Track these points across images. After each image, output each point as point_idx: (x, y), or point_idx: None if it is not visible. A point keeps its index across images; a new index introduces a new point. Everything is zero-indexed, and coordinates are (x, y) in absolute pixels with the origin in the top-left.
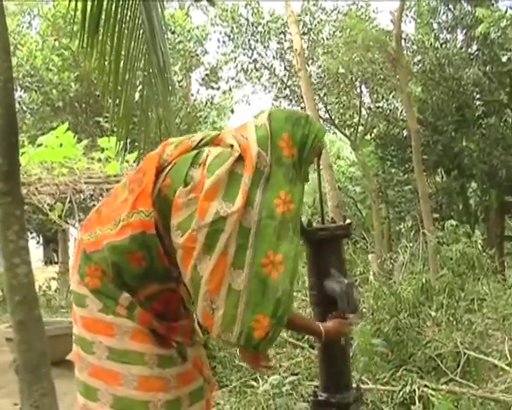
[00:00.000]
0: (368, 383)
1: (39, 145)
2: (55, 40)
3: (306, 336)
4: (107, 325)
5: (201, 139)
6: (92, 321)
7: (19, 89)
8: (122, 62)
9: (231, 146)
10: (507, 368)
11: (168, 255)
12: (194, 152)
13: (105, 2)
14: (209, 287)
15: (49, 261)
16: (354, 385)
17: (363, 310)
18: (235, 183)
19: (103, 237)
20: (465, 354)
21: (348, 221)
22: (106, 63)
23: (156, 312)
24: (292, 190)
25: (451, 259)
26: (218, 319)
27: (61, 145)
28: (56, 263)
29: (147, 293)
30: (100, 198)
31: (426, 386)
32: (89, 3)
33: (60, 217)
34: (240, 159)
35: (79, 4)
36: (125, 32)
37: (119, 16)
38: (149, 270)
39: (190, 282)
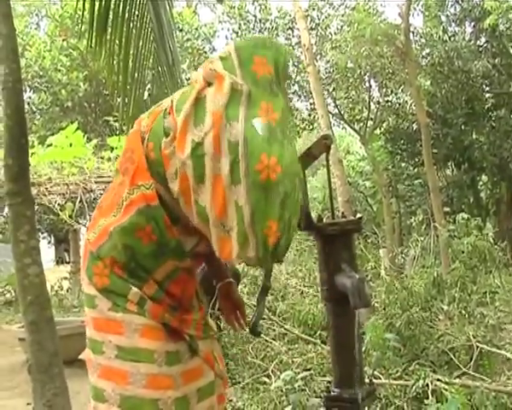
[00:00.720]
0: (381, 378)
1: (49, 145)
2: (63, 40)
3: (319, 333)
4: (116, 324)
5: (171, 101)
6: (103, 321)
7: (28, 90)
8: (131, 61)
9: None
10: None
11: (176, 225)
12: (163, 110)
13: (112, 2)
14: (215, 212)
15: (60, 261)
16: (367, 380)
17: (375, 305)
18: (202, 107)
19: (109, 225)
20: (478, 347)
21: (359, 215)
22: (114, 62)
23: (172, 298)
24: (273, 99)
25: (463, 252)
26: (234, 239)
27: (70, 145)
28: (68, 263)
29: (163, 272)
30: None
31: (439, 380)
32: (96, 3)
33: (70, 217)
34: (209, 86)
35: (87, 4)
36: (133, 30)
37: (126, 15)
38: (161, 244)
39: (199, 219)
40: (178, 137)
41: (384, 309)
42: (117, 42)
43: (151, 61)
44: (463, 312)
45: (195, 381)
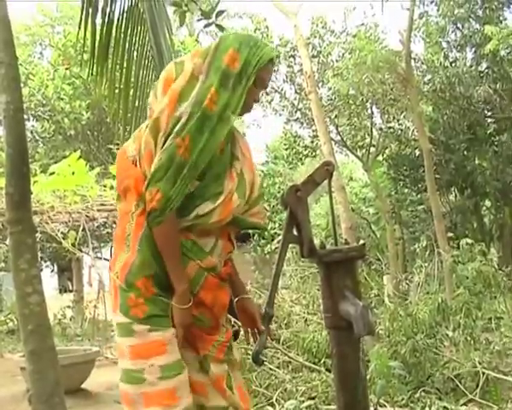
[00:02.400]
0: (386, 406)
1: (52, 174)
2: (66, 69)
3: (323, 360)
4: (158, 344)
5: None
6: (142, 346)
7: (31, 118)
8: (132, 89)
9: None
10: None
11: (190, 231)
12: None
13: (113, 31)
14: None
15: (63, 290)
16: (372, 409)
17: (380, 332)
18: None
19: (132, 247)
20: (484, 373)
21: (362, 242)
22: (115, 90)
23: (204, 307)
24: (221, 92)
25: (467, 278)
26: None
27: (73, 173)
28: (71, 291)
29: (189, 275)
30: (113, 226)
31: (445, 408)
32: (98, 32)
33: (73, 245)
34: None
35: (89, 33)
36: (134, 59)
37: (127, 44)
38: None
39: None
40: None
41: (388, 337)
42: (118, 70)
43: (152, 89)
44: (469, 338)
45: (196, 396)
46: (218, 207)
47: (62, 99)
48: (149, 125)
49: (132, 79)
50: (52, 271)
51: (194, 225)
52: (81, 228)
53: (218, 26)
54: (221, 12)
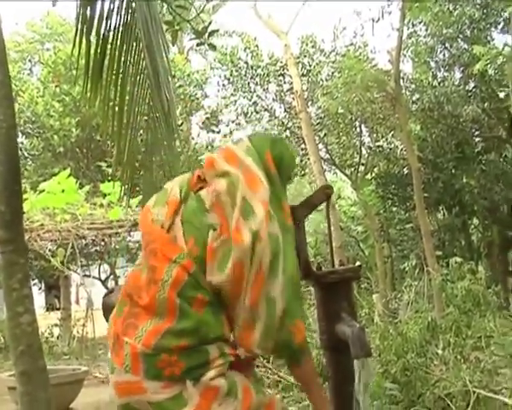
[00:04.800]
0: None
1: (41, 191)
2: (55, 86)
3: None
4: (215, 391)
5: (181, 189)
6: (204, 404)
7: (20, 135)
8: (126, 107)
9: (226, 173)
10: None
11: None
12: (193, 202)
13: (108, 48)
14: (250, 299)
15: (51, 308)
16: None
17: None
18: (247, 203)
19: (163, 325)
20: (474, 392)
21: (358, 263)
22: (109, 108)
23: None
24: (286, 199)
25: (457, 296)
26: (258, 329)
27: (63, 191)
28: (58, 309)
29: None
30: (102, 243)
31: None
32: (92, 49)
33: (62, 263)
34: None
35: (83, 50)
36: (129, 77)
37: (122, 61)
38: (213, 302)
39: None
40: (234, 231)
41: (379, 356)
42: (112, 88)
43: (146, 107)
44: (459, 356)
45: None
46: None
47: (52, 116)
48: (252, 237)
49: (127, 97)
50: (40, 288)
51: None
52: (70, 246)
53: (210, 45)
54: (214, 31)
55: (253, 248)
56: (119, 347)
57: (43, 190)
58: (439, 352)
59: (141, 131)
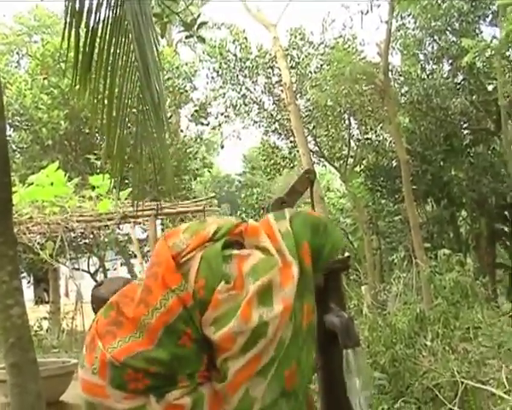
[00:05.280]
0: None
1: (30, 184)
2: (44, 79)
3: None
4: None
5: (217, 230)
6: None
7: (8, 128)
8: (115, 99)
9: (267, 250)
10: (505, 396)
11: None
12: (219, 246)
13: (98, 40)
14: (229, 386)
15: (39, 301)
16: None
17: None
18: (270, 290)
19: (142, 343)
20: (462, 383)
21: (347, 254)
22: (99, 101)
23: None
24: (313, 300)
25: (445, 288)
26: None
27: (51, 184)
28: (47, 302)
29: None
30: (91, 236)
31: None
32: (81, 41)
33: (51, 256)
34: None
35: (72, 43)
36: (118, 69)
37: (111, 54)
38: (199, 340)
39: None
40: (246, 304)
41: (368, 347)
42: (102, 80)
43: (135, 100)
44: (447, 347)
45: None
46: None
47: (40, 109)
48: (258, 324)
49: (116, 89)
50: (28, 282)
51: None
52: (59, 239)
53: (199, 37)
54: (202, 24)
55: (254, 337)
56: (93, 347)
57: (32, 183)
58: (428, 343)
59: (130, 124)
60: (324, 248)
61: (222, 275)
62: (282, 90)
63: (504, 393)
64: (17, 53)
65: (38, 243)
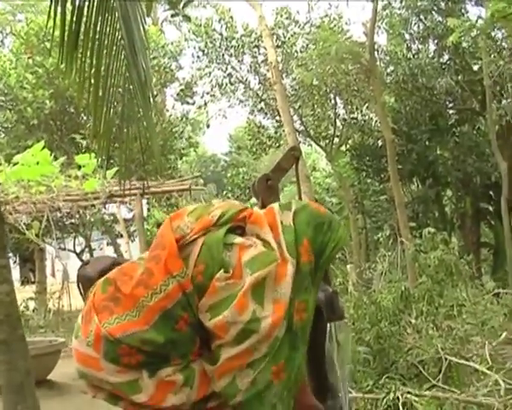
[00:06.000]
0: (352, 392)
1: (15, 164)
2: (28, 58)
3: None
4: (171, 386)
5: (221, 215)
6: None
7: None
8: (102, 78)
9: (267, 242)
10: (488, 372)
11: None
12: (222, 233)
13: (84, 19)
14: (217, 371)
15: (26, 281)
16: (340, 394)
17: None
18: (263, 288)
19: (139, 322)
20: (446, 359)
21: None
22: (85, 79)
23: None
24: (306, 298)
25: (430, 266)
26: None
27: (37, 163)
28: (33, 283)
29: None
30: (77, 216)
31: (409, 392)
32: (67, 19)
33: (37, 235)
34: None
35: (57, 21)
36: (105, 48)
37: (98, 32)
38: (195, 325)
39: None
40: (242, 295)
41: (353, 324)
42: (88, 59)
43: (122, 78)
44: (431, 325)
45: None
46: None
47: (25, 88)
48: (250, 319)
49: (103, 68)
50: (14, 262)
51: None
52: (45, 218)
53: (184, 16)
54: (188, 2)
55: (247, 330)
56: (89, 320)
57: (18, 163)
58: (412, 320)
59: (116, 103)
60: (327, 246)
61: (222, 263)
62: (267, 70)
63: (487, 369)
64: (1, 32)
65: (24, 223)
